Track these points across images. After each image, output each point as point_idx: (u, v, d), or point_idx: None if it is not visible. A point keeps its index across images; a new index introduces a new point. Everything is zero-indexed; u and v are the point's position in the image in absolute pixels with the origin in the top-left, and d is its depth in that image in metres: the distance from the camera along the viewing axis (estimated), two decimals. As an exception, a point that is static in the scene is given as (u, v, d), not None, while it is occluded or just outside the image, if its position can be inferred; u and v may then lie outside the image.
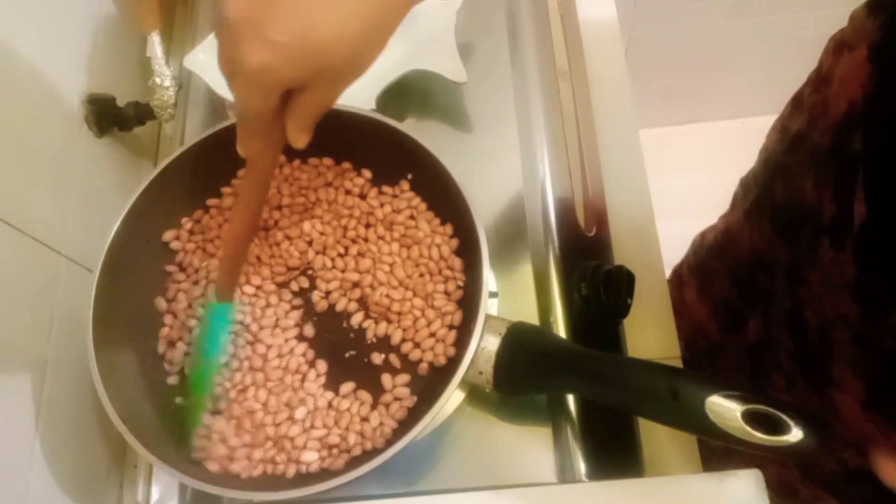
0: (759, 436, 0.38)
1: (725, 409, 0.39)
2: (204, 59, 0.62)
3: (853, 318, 0.45)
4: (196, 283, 0.54)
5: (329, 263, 0.54)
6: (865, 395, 0.46)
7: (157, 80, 0.59)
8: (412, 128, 0.52)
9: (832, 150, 0.46)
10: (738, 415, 0.39)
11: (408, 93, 0.63)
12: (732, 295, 0.61)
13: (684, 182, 1.32)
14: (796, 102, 0.54)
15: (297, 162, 0.57)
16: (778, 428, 0.38)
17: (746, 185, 0.61)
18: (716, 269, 0.65)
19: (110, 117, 0.58)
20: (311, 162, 0.57)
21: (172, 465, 0.44)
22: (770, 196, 0.55)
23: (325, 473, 0.45)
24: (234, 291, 0.50)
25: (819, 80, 0.50)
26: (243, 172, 0.44)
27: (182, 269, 0.55)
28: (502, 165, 0.62)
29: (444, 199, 0.53)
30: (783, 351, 0.52)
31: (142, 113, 0.59)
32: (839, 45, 0.49)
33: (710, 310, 0.65)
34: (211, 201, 0.56)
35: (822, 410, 0.49)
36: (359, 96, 0.58)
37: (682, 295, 0.68)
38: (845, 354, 0.46)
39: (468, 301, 0.50)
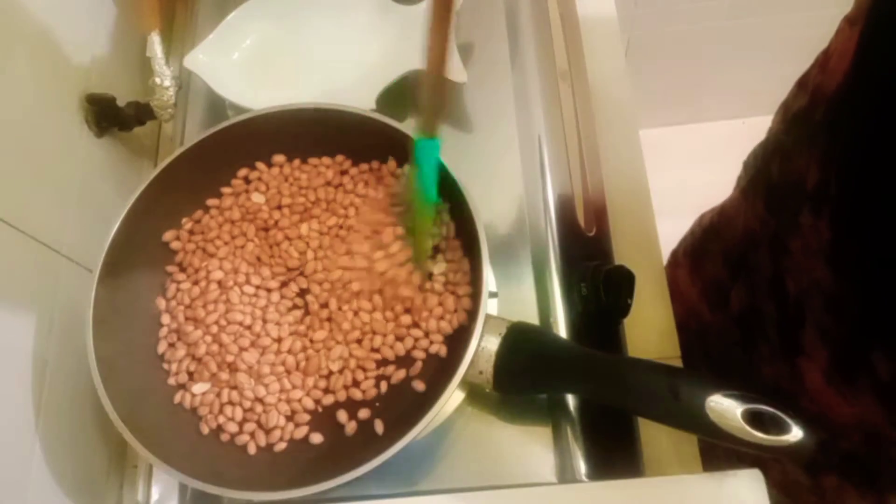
0: (759, 435, 0.38)
1: (725, 409, 0.39)
2: (204, 59, 0.62)
3: (825, 283, 0.45)
4: (196, 283, 0.54)
5: (320, 267, 0.54)
6: (829, 365, 0.46)
7: (157, 80, 0.59)
8: (412, 128, 0.52)
9: (825, 122, 0.47)
10: (738, 414, 0.39)
11: (408, 93, 0.62)
12: (723, 275, 0.62)
13: (684, 182, 1.32)
14: (801, 83, 0.54)
15: (296, 161, 0.57)
16: (778, 427, 0.39)
17: (747, 165, 0.62)
18: (709, 250, 0.65)
19: (110, 117, 0.58)
20: (311, 162, 0.57)
21: (172, 465, 0.44)
22: (766, 174, 0.55)
23: (325, 473, 0.45)
24: (439, 127, 0.49)
25: (825, 60, 0.51)
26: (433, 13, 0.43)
27: (182, 269, 0.55)
28: (502, 165, 0.62)
29: (444, 199, 0.53)
30: (769, 320, 0.52)
31: (142, 113, 0.59)
32: (845, 24, 0.49)
33: (700, 291, 0.65)
34: (211, 201, 0.56)
35: (791, 382, 0.50)
36: (359, 96, 0.58)
37: (675, 276, 0.68)
38: (816, 321, 0.47)
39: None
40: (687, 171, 1.41)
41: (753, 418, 0.39)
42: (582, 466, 0.50)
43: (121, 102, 0.59)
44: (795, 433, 0.38)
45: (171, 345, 0.52)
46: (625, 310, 0.52)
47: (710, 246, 0.66)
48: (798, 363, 0.49)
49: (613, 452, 0.52)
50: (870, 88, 0.42)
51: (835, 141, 0.45)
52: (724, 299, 0.61)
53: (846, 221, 0.44)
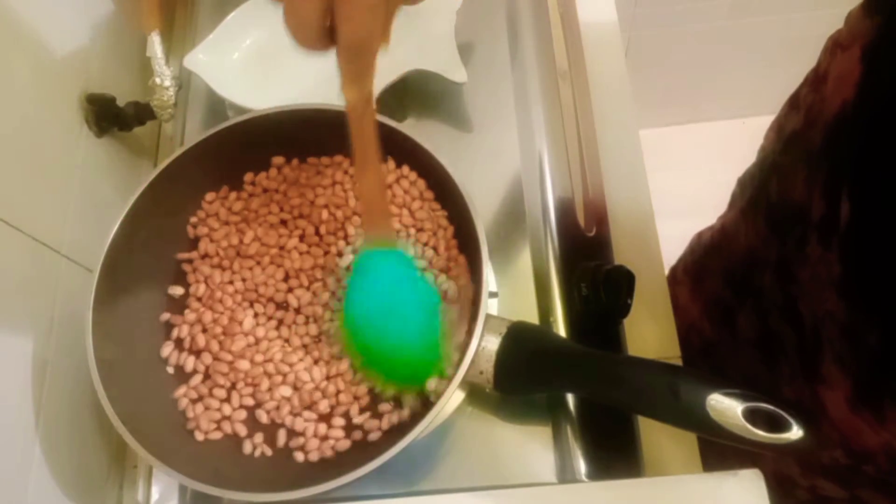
0: (760, 433, 0.38)
1: (726, 407, 0.39)
2: (204, 59, 0.62)
3: (839, 315, 0.45)
4: (209, 305, 0.53)
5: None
6: (853, 392, 0.46)
7: (157, 80, 0.59)
8: (412, 128, 0.52)
9: (824, 149, 0.47)
10: (739, 412, 0.39)
11: (408, 93, 0.63)
12: (725, 294, 0.62)
13: (684, 182, 1.32)
14: (793, 102, 0.54)
15: (295, 161, 0.57)
16: (779, 425, 0.39)
17: (743, 184, 0.61)
18: (710, 269, 0.65)
19: (110, 117, 0.58)
20: (310, 161, 0.57)
21: (172, 467, 0.44)
22: (765, 195, 0.55)
23: (325, 474, 0.45)
24: (392, 234, 0.47)
25: (816, 80, 0.51)
26: (352, 132, 0.42)
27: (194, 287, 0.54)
28: (502, 165, 0.62)
29: (444, 200, 0.53)
30: (789, 342, 0.52)
31: (142, 113, 0.59)
32: (834, 45, 0.49)
33: (701, 308, 0.65)
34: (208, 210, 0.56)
35: (812, 407, 0.50)
36: (359, 96, 0.58)
37: (674, 294, 0.68)
38: (833, 351, 0.47)
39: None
40: (687, 170, 1.41)
41: (754, 416, 0.39)
42: (582, 466, 0.50)
43: (121, 102, 0.59)
44: (796, 431, 0.38)
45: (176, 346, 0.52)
46: (625, 310, 0.52)
47: (710, 264, 0.65)
48: (818, 391, 0.49)
49: (613, 452, 0.52)
50: (881, 121, 0.42)
51: (839, 170, 0.44)
52: (728, 318, 0.61)
53: (858, 255, 0.43)
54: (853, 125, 0.44)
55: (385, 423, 0.48)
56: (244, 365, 0.50)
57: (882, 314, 0.43)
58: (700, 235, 0.70)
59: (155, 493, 0.53)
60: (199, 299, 0.53)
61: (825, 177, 0.46)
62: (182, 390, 0.50)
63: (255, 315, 0.52)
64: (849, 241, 0.43)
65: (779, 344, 0.53)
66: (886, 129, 0.41)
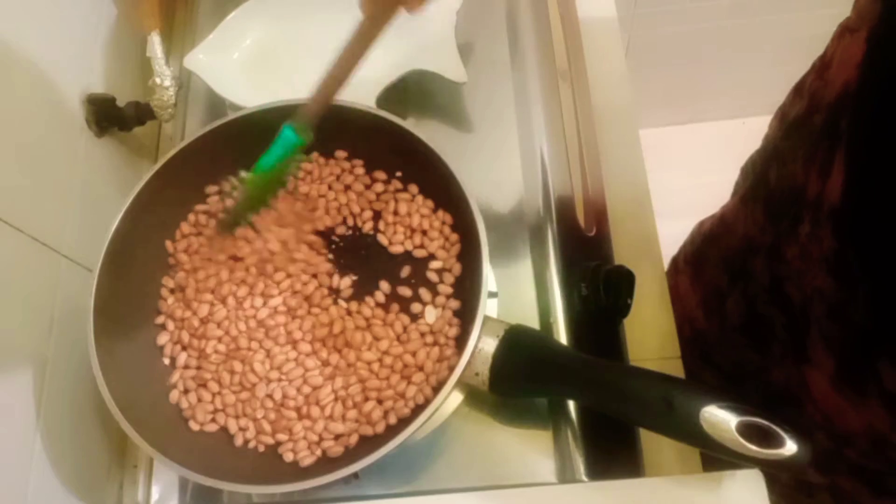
0: (753, 448, 0.38)
1: (720, 420, 0.39)
2: (204, 59, 0.62)
3: (828, 291, 0.45)
4: (196, 302, 0.53)
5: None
6: (836, 372, 0.46)
7: (157, 80, 0.59)
8: (412, 128, 0.52)
9: (824, 130, 0.47)
10: (733, 426, 0.38)
11: (408, 93, 0.63)
12: (722, 283, 0.62)
13: (684, 182, 1.32)
14: (798, 90, 0.54)
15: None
16: (772, 441, 0.38)
17: (745, 172, 0.61)
18: (709, 257, 0.65)
19: (110, 117, 0.58)
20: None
21: (173, 459, 0.44)
22: (764, 181, 0.55)
23: (324, 468, 0.45)
24: (313, 127, 0.50)
25: (822, 66, 0.51)
26: (359, 27, 0.46)
27: (181, 288, 0.54)
28: (502, 165, 0.62)
29: (446, 201, 0.53)
30: (778, 323, 0.52)
31: (142, 113, 0.59)
32: (843, 30, 0.49)
33: (700, 298, 0.65)
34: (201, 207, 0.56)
35: (799, 387, 0.50)
36: (358, 96, 0.58)
37: (676, 283, 0.68)
38: (820, 329, 0.47)
39: (467, 301, 0.50)
40: (687, 170, 1.41)
41: (748, 430, 0.38)
42: (582, 467, 0.50)
43: (121, 102, 0.59)
44: (790, 447, 0.38)
45: (175, 344, 0.52)
46: (624, 310, 0.52)
47: (710, 253, 0.66)
48: (804, 370, 0.49)
49: (613, 453, 0.52)
50: (880, 97, 0.42)
51: (836, 144, 0.44)
52: (720, 307, 0.61)
53: (850, 231, 0.43)
54: (855, 98, 0.44)
55: (380, 426, 0.48)
56: (235, 365, 0.50)
57: (870, 286, 0.43)
58: (701, 224, 0.70)
59: (155, 493, 0.53)
60: (183, 291, 0.53)
61: (823, 155, 0.46)
62: (174, 378, 0.51)
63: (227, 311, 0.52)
64: (843, 213, 0.43)
65: (768, 327, 0.53)
66: (889, 100, 0.41)
